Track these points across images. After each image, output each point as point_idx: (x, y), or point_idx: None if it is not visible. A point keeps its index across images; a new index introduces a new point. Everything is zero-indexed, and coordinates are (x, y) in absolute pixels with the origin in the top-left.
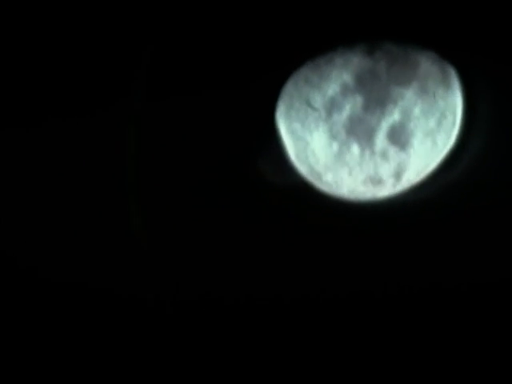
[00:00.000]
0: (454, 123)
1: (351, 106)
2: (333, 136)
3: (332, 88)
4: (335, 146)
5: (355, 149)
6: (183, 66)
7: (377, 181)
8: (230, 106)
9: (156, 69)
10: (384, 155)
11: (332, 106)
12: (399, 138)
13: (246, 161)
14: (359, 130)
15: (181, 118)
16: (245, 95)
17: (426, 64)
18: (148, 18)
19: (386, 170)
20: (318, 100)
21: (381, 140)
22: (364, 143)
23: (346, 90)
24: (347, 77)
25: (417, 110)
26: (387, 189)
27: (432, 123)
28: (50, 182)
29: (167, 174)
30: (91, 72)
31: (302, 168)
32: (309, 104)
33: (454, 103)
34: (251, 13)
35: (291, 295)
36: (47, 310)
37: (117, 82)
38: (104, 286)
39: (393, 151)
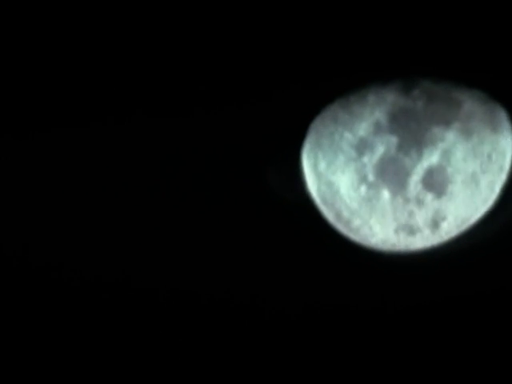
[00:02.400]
0: (501, 169)
1: (384, 146)
2: (362, 178)
3: (363, 127)
4: (364, 190)
5: (386, 193)
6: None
7: (411, 230)
8: (254, 141)
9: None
10: (419, 202)
11: (363, 147)
12: (436, 183)
13: (269, 199)
14: (391, 173)
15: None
16: (269, 131)
17: (471, 103)
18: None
19: (421, 218)
20: (347, 140)
21: (415, 185)
22: (396, 188)
23: (378, 130)
24: (380, 115)
25: (458, 154)
26: (423, 239)
27: (475, 168)
28: (53, 183)
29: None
30: (95, 75)
31: (328, 213)
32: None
33: (502, 147)
34: (281, 43)
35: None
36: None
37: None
38: (106, 286)
39: (429, 198)
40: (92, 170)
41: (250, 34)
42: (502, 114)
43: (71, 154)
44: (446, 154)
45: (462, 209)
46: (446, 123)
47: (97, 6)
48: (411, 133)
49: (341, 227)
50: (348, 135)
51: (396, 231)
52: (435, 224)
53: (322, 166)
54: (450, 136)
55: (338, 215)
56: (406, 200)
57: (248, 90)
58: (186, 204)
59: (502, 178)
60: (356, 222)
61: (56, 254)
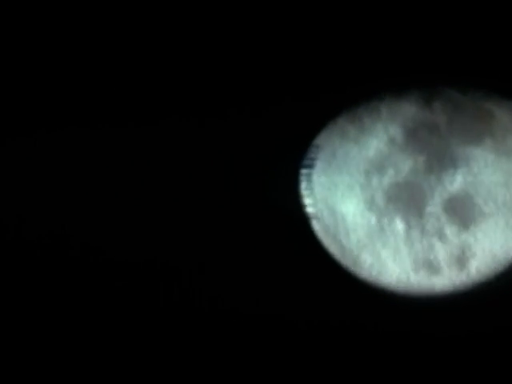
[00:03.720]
0: None
1: (397, 168)
2: (371, 206)
3: (374, 145)
4: (373, 219)
5: (399, 224)
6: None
7: (431, 268)
8: (254, 153)
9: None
10: (440, 235)
11: (372, 168)
12: (461, 212)
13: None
14: (406, 200)
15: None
16: (268, 144)
17: (505, 117)
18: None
19: (443, 254)
20: (355, 159)
21: (435, 214)
22: (411, 217)
23: (392, 148)
24: (395, 131)
25: (487, 177)
26: (445, 280)
27: (507, 196)
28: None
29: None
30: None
31: (331, 245)
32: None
33: None
34: (284, 46)
35: None
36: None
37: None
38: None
39: (452, 230)
40: (89, 173)
41: (254, 41)
42: None
43: (74, 159)
44: (473, 178)
45: (494, 244)
46: (475, 141)
47: (98, 6)
48: (431, 152)
49: (347, 262)
50: (356, 154)
51: (413, 269)
52: (461, 262)
53: (325, 189)
54: (478, 156)
55: (344, 248)
56: (424, 232)
57: (249, 98)
58: (185, 211)
59: None
60: (365, 257)
61: (54, 254)
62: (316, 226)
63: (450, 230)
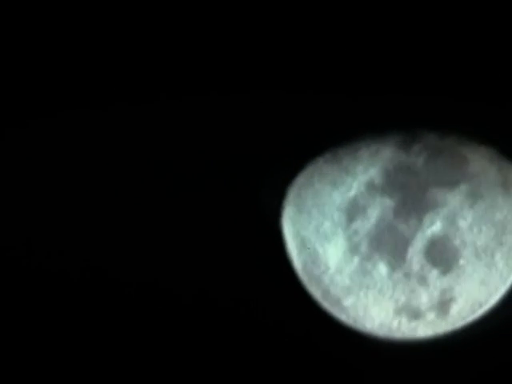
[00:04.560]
0: None
1: (378, 210)
2: (353, 249)
3: (355, 187)
4: (356, 262)
5: (382, 267)
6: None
7: (414, 313)
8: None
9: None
10: (422, 279)
11: (353, 210)
12: (442, 256)
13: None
14: (388, 243)
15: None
16: (246, 189)
17: (480, 162)
18: None
19: (425, 298)
20: (336, 201)
21: (417, 258)
22: (394, 261)
23: (372, 191)
24: (375, 173)
25: (465, 221)
26: (428, 325)
27: (487, 239)
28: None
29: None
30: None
31: (313, 289)
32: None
33: None
34: (258, 87)
35: None
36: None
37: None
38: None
39: (434, 274)
40: (86, 172)
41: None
42: None
43: (71, 153)
44: (452, 221)
45: (475, 289)
46: (451, 184)
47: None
48: (410, 195)
49: (329, 307)
50: (337, 196)
51: (396, 314)
52: (443, 306)
53: (306, 232)
54: (456, 200)
55: (326, 292)
56: (407, 276)
57: (228, 139)
58: (176, 215)
59: None
60: (347, 301)
61: (47, 253)
62: (297, 267)
63: (431, 274)
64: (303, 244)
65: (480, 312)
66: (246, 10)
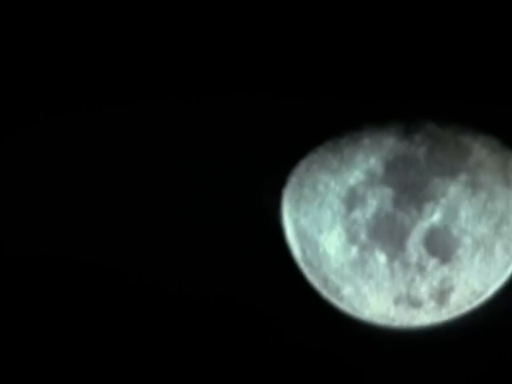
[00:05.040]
0: None
1: (378, 200)
2: (352, 238)
3: (355, 176)
4: (355, 252)
5: (381, 257)
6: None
7: (413, 302)
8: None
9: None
10: (421, 268)
11: (353, 200)
12: (440, 245)
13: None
14: (387, 233)
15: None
16: (245, 179)
17: (481, 152)
18: None
19: (424, 288)
20: (335, 190)
21: (416, 247)
22: (393, 250)
23: (372, 180)
24: (375, 163)
25: (465, 211)
26: (428, 314)
27: (486, 229)
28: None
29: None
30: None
31: (312, 278)
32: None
33: None
34: (259, 78)
35: None
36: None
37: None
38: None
39: (433, 263)
40: (85, 171)
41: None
42: None
43: (71, 152)
44: (451, 212)
45: (474, 278)
46: (452, 174)
47: None
48: (410, 185)
49: (328, 295)
50: (336, 185)
51: (395, 302)
52: (442, 296)
53: (306, 221)
54: (456, 189)
55: (325, 281)
56: (406, 265)
57: (227, 128)
58: (176, 206)
59: None
60: (347, 290)
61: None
62: (296, 256)
63: (430, 263)
64: (302, 233)
65: (478, 302)
66: (248, 11)
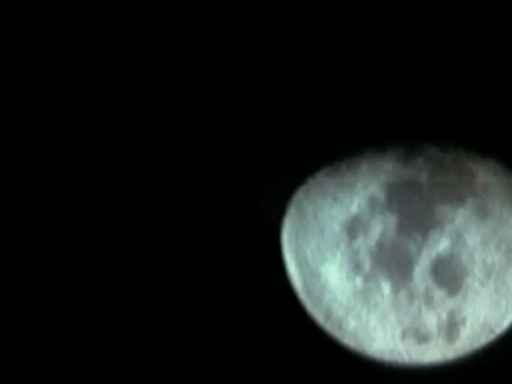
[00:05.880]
0: None
1: (381, 227)
2: (355, 267)
3: (356, 203)
4: (358, 282)
5: (386, 287)
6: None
7: (420, 336)
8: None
9: None
10: (428, 299)
11: (355, 227)
12: (448, 275)
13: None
14: (392, 261)
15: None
16: (246, 205)
17: (486, 176)
18: None
19: (432, 320)
20: (337, 218)
21: (422, 277)
22: (398, 280)
23: (374, 207)
24: (376, 189)
25: (473, 238)
26: (437, 349)
27: (496, 257)
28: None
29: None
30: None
31: (314, 311)
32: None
33: None
34: (258, 100)
35: None
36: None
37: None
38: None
39: (441, 294)
40: (84, 171)
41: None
42: None
43: (70, 151)
44: (459, 238)
45: (485, 310)
46: (457, 199)
47: None
48: (414, 211)
49: (331, 329)
50: (337, 212)
51: (401, 337)
52: (451, 329)
53: (306, 250)
54: (463, 215)
55: (328, 314)
56: (411, 296)
57: (227, 156)
58: (174, 218)
59: None
60: (350, 324)
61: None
62: (297, 287)
63: (437, 295)
64: (303, 262)
65: (491, 335)
66: (251, 12)
